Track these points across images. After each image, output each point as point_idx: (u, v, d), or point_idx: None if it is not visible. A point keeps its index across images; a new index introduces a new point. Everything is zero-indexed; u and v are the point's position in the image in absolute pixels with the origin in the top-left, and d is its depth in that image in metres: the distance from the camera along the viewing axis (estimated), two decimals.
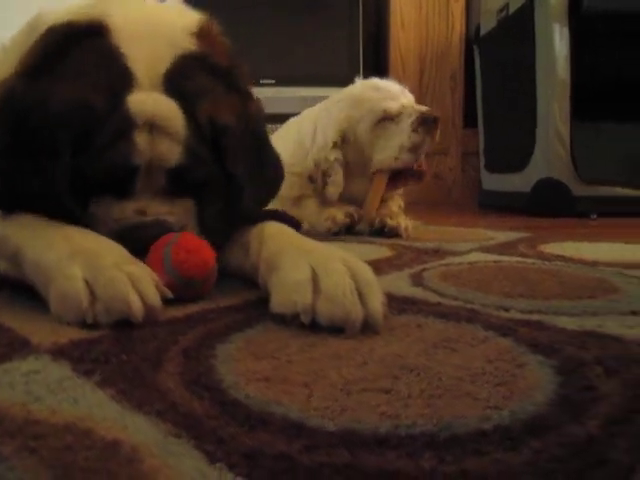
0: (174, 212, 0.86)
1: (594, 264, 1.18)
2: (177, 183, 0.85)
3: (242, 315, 0.73)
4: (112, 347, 0.61)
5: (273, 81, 3.27)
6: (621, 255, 1.32)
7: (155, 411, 0.45)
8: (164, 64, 0.84)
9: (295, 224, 0.97)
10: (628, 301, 0.85)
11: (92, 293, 0.67)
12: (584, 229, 2.09)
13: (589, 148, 2.61)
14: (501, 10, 3.03)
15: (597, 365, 0.56)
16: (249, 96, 0.96)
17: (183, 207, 0.87)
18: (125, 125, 0.80)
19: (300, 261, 0.72)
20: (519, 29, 2.80)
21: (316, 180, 1.81)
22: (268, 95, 3.17)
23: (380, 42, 3.74)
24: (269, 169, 1.01)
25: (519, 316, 0.76)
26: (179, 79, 0.84)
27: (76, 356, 0.58)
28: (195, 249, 0.78)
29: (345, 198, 1.81)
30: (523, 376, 0.54)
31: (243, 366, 0.56)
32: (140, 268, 0.72)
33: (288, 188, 1.81)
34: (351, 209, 1.75)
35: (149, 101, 0.82)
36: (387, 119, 1.75)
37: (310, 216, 1.77)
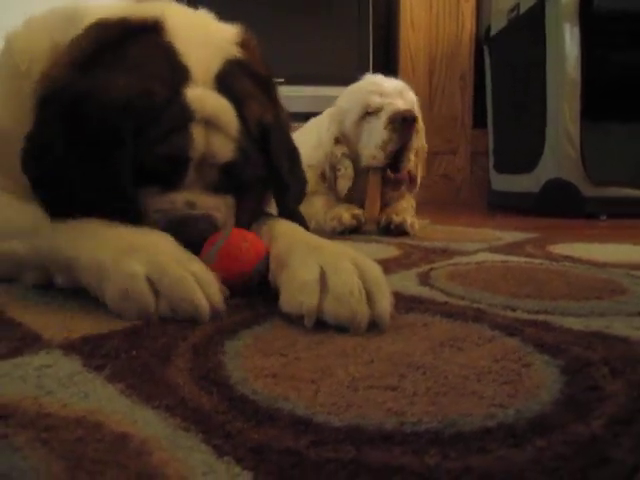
0: (219, 208, 0.87)
1: (602, 265, 1.18)
2: (227, 179, 0.87)
3: (250, 312, 0.74)
4: (122, 343, 0.61)
5: (282, 80, 3.27)
6: (629, 256, 1.32)
7: (164, 405, 0.46)
8: (215, 66, 0.87)
9: (303, 222, 0.98)
10: (635, 302, 0.85)
11: (155, 291, 0.69)
12: (593, 230, 2.08)
13: (599, 149, 2.60)
14: (512, 10, 3.02)
15: (603, 365, 0.56)
16: (281, 103, 1.01)
17: (226, 204, 0.89)
18: (184, 118, 0.81)
19: (309, 259, 0.73)
20: (530, 29, 2.80)
21: (326, 176, 1.82)
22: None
23: (390, 42, 3.74)
24: (301, 170, 1.07)
25: (526, 316, 0.76)
26: (229, 81, 0.87)
27: (87, 351, 0.59)
28: (235, 256, 0.79)
29: (349, 197, 1.82)
30: (529, 375, 0.54)
31: (251, 362, 0.56)
32: (202, 267, 0.73)
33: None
34: (358, 211, 1.75)
35: (206, 97, 0.84)
36: (371, 114, 1.74)
37: (317, 214, 1.78)
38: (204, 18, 0.98)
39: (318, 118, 2.10)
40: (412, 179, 1.84)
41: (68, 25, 0.89)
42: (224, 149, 0.85)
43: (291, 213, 0.98)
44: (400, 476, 0.36)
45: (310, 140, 1.92)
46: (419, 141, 1.82)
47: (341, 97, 1.89)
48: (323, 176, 1.84)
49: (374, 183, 1.77)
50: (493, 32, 3.29)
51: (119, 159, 0.78)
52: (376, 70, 3.35)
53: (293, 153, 1.05)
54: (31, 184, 0.81)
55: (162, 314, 0.69)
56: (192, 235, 0.81)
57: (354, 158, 1.80)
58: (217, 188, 0.87)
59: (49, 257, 0.78)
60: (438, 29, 3.60)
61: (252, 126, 0.88)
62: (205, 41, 0.88)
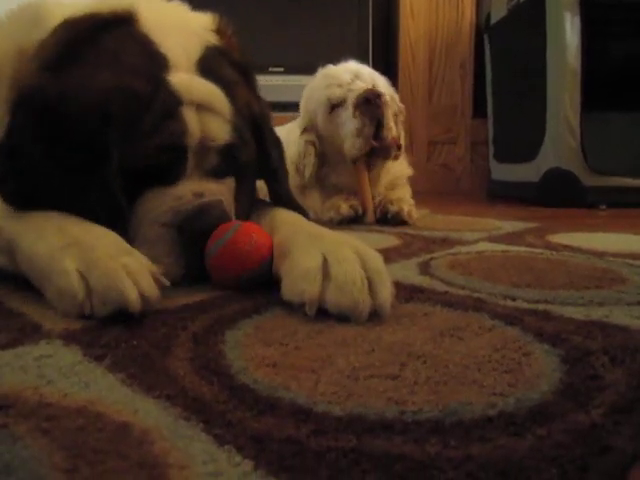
0: (223, 193, 0.85)
1: (602, 255, 1.18)
2: (226, 162, 0.85)
3: (251, 302, 0.74)
4: (122, 333, 0.61)
5: (282, 69, 3.26)
6: (629, 246, 1.31)
7: (165, 395, 0.46)
8: (195, 53, 0.84)
9: (303, 212, 0.98)
10: (635, 291, 0.85)
11: (87, 286, 0.66)
12: (593, 220, 2.08)
13: (599, 138, 2.59)
14: None
15: (603, 354, 0.56)
16: (259, 93, 0.99)
17: (228, 188, 0.87)
18: (171, 104, 0.79)
19: (311, 248, 0.73)
20: (530, 18, 2.78)
21: (299, 168, 1.81)
22: (277, 83, 3.17)
23: (390, 31, 3.72)
24: (284, 159, 1.06)
25: (526, 305, 0.76)
26: (212, 67, 0.85)
27: (87, 341, 0.59)
28: (236, 257, 0.77)
29: (339, 188, 1.81)
30: (529, 364, 0.54)
31: (252, 352, 0.56)
32: (135, 258, 0.70)
33: (291, 178, 1.82)
34: (355, 201, 1.74)
35: (192, 81, 0.82)
36: (338, 106, 1.72)
37: (314, 205, 1.78)
38: (176, 7, 0.95)
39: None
40: (397, 145, 1.79)
41: (31, 27, 0.86)
42: (221, 131, 0.83)
43: (286, 200, 0.98)
44: (401, 464, 0.36)
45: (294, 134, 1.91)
46: (393, 109, 1.78)
47: (303, 98, 1.87)
48: (297, 169, 1.81)
49: (360, 173, 1.75)
50: (493, 21, 3.28)
51: (104, 168, 0.74)
52: (375, 59, 3.35)
53: (278, 142, 1.04)
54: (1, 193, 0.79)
55: (95, 307, 0.65)
56: (210, 224, 0.79)
57: (334, 152, 1.78)
58: (216, 173, 0.85)
59: None
60: (438, 17, 3.58)
61: (243, 111, 0.87)
62: (181, 29, 0.86)
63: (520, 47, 2.96)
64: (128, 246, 0.73)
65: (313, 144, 1.78)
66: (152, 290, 0.67)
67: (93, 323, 0.64)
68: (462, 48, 3.60)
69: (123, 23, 0.82)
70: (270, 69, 3.21)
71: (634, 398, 0.47)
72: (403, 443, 0.39)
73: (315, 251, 0.72)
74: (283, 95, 3.04)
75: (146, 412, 0.43)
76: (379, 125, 1.67)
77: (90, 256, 0.67)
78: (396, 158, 1.83)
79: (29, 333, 0.61)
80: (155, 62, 0.80)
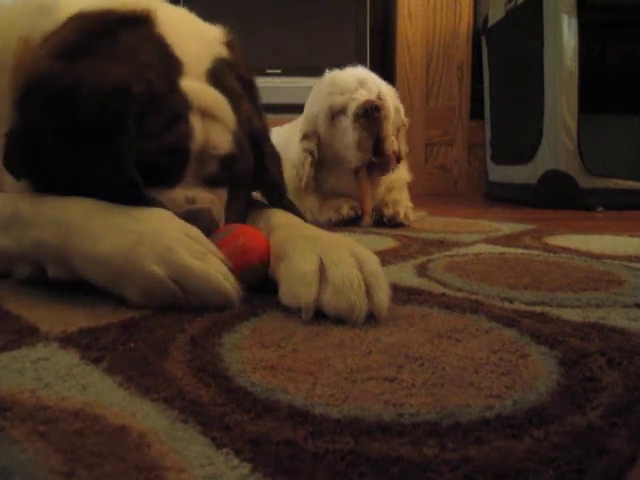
0: (215, 203, 0.85)
1: (599, 257, 1.18)
2: (224, 172, 0.85)
3: (248, 304, 0.74)
4: (120, 335, 0.61)
5: (279, 71, 3.26)
6: (626, 248, 1.32)
7: (162, 398, 0.46)
8: (206, 62, 0.85)
9: (298, 213, 0.98)
10: (632, 294, 0.85)
11: (181, 286, 0.69)
12: (590, 222, 2.08)
13: (596, 140, 2.60)
14: (509, 1, 3.01)
15: (600, 356, 0.57)
16: (261, 108, 1.00)
17: (220, 198, 0.87)
18: (182, 108, 0.79)
19: (308, 251, 0.73)
20: (527, 20, 2.79)
21: (299, 174, 1.80)
22: (274, 85, 3.17)
23: (387, 33, 3.73)
24: (282, 173, 1.06)
25: (523, 307, 0.76)
26: (220, 78, 0.86)
27: (84, 344, 0.59)
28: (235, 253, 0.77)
29: (337, 192, 1.80)
30: (526, 366, 0.54)
31: (249, 354, 0.56)
32: (217, 258, 0.72)
33: (290, 180, 1.82)
34: (356, 203, 1.74)
35: (202, 89, 0.82)
36: (340, 113, 1.70)
37: (312, 207, 1.78)
38: (189, 15, 0.97)
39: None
40: (397, 158, 1.78)
41: (39, 17, 0.86)
42: (223, 140, 0.83)
43: (284, 207, 0.99)
44: (399, 467, 0.36)
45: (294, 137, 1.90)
46: (396, 122, 1.78)
47: (308, 101, 1.86)
48: (298, 174, 1.80)
49: (362, 180, 1.74)
50: (491, 23, 3.28)
51: (122, 146, 0.74)
52: (373, 61, 3.35)
53: (277, 157, 1.05)
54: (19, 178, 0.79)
55: (192, 306, 0.70)
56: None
57: (334, 158, 1.77)
58: (212, 182, 0.85)
59: (36, 250, 0.76)
60: (435, 20, 3.58)
61: (245, 124, 0.88)
62: (194, 37, 0.87)
63: (517, 49, 2.97)
64: (190, 228, 0.74)
65: (311, 153, 1.77)
66: (237, 284, 0.72)
67: (90, 325, 0.64)
68: (459, 50, 3.61)
69: (140, 22, 0.82)
70: (268, 71, 3.21)
71: (631, 400, 0.47)
72: (400, 445, 0.39)
73: (311, 254, 0.72)
74: (281, 97, 3.05)
75: (143, 415, 0.43)
76: (378, 138, 1.64)
77: (174, 261, 0.69)
78: (392, 169, 1.82)
79: (26, 336, 0.61)
80: (170, 64, 0.81)
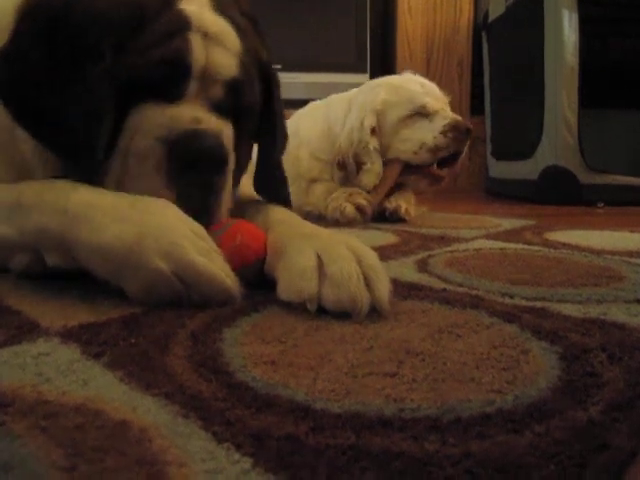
0: (225, 131, 0.82)
1: (600, 252, 1.18)
2: (230, 99, 0.82)
3: (248, 300, 0.73)
4: (121, 330, 0.61)
5: (280, 66, 3.26)
6: (627, 244, 1.32)
7: (163, 393, 0.46)
8: None
9: (287, 191, 0.97)
10: (633, 289, 0.85)
11: (183, 282, 0.68)
12: (590, 217, 2.08)
13: (597, 136, 2.60)
14: None
15: (601, 352, 0.57)
16: (267, 45, 0.96)
17: (229, 129, 0.83)
18: (178, 25, 0.77)
19: (306, 247, 0.73)
20: (528, 15, 2.78)
21: (347, 167, 1.77)
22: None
23: (387, 28, 3.72)
24: (285, 125, 1.02)
25: (524, 303, 0.76)
26: (224, 8, 0.83)
27: (85, 339, 0.59)
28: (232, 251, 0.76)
29: (360, 186, 1.79)
30: (527, 362, 0.54)
31: (250, 349, 0.56)
32: (220, 255, 0.72)
33: (307, 169, 1.82)
34: (362, 200, 1.70)
35: (204, 12, 0.80)
36: (421, 114, 1.74)
37: (317, 202, 1.78)
38: None
39: (322, 104, 2.02)
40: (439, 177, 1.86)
41: None
42: (228, 63, 0.80)
43: (276, 164, 0.96)
44: (400, 462, 0.36)
45: (314, 128, 1.89)
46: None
47: (377, 87, 1.81)
48: (340, 165, 1.79)
49: (391, 173, 1.76)
50: (491, 18, 3.28)
51: (95, 74, 0.72)
52: (373, 57, 3.35)
53: (282, 105, 1.00)
54: None
55: (194, 302, 0.69)
56: (204, 151, 0.77)
57: (382, 150, 1.77)
58: (219, 109, 0.81)
59: (37, 237, 0.74)
60: (435, 15, 3.58)
61: (252, 56, 0.84)
62: None
63: (518, 44, 2.96)
64: (193, 223, 0.73)
65: (379, 151, 1.76)
66: (237, 282, 0.71)
67: (91, 320, 0.64)
68: (460, 45, 3.61)
69: None
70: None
71: (632, 395, 0.47)
72: (402, 440, 0.39)
73: (309, 251, 0.72)
74: (282, 92, 3.05)
75: (145, 410, 0.43)
76: (453, 157, 1.75)
77: (179, 257, 0.68)
78: (429, 186, 1.89)
79: (27, 331, 0.61)
80: None
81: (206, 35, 0.79)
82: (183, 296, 0.69)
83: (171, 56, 0.76)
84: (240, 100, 0.83)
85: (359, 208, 1.68)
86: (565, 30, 2.52)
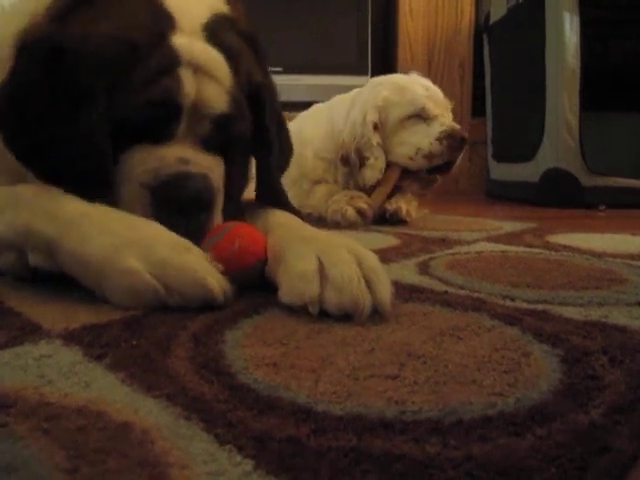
0: (213, 169, 0.82)
1: (601, 255, 1.18)
2: (219, 134, 0.82)
3: (249, 302, 0.74)
4: (122, 332, 0.61)
5: (281, 69, 3.26)
6: (628, 246, 1.32)
7: (165, 395, 0.46)
8: (202, 17, 0.82)
9: (296, 213, 0.97)
10: (634, 292, 0.85)
11: (162, 282, 0.68)
12: (592, 220, 2.08)
13: (598, 138, 2.60)
14: None
15: (602, 355, 0.57)
16: (267, 65, 0.97)
17: (218, 165, 0.84)
18: (169, 61, 0.77)
19: (306, 251, 0.73)
20: (529, 17, 2.78)
21: (350, 161, 1.76)
22: (276, 83, 3.17)
23: (389, 31, 3.72)
24: (288, 138, 1.03)
25: (525, 306, 0.76)
26: (218, 34, 0.83)
27: (87, 341, 0.59)
28: (224, 260, 0.75)
29: (361, 188, 1.79)
30: (528, 364, 0.54)
31: (252, 351, 0.56)
32: (199, 254, 0.72)
33: (311, 169, 1.82)
34: (363, 203, 1.70)
35: (194, 44, 0.80)
36: (420, 117, 1.73)
37: (318, 205, 1.78)
38: None
39: (325, 106, 2.02)
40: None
41: None
42: (218, 98, 0.80)
43: (273, 182, 0.96)
44: (401, 464, 0.37)
45: (318, 128, 1.89)
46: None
47: (380, 85, 1.82)
48: (343, 161, 1.78)
49: (390, 177, 1.76)
50: (492, 20, 3.28)
51: (91, 117, 0.73)
52: (375, 59, 3.35)
53: (281, 119, 1.01)
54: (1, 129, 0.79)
55: (174, 304, 0.68)
56: (188, 196, 0.77)
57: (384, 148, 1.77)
58: (208, 145, 0.82)
59: (25, 237, 0.74)
60: (437, 17, 3.58)
61: (243, 82, 0.84)
62: None
63: (519, 47, 2.96)
64: (183, 240, 0.73)
65: (382, 146, 1.75)
66: (226, 284, 0.71)
67: (93, 322, 0.64)
68: (461, 47, 3.61)
69: None
70: (269, 68, 3.21)
71: (633, 398, 0.47)
72: (403, 443, 0.39)
73: (310, 254, 0.72)
74: (282, 95, 3.05)
75: (147, 411, 0.43)
76: (446, 165, 1.75)
77: (153, 257, 0.68)
78: (422, 190, 1.88)
79: (29, 333, 0.61)
80: (159, 20, 0.79)
81: (197, 69, 0.79)
82: (163, 297, 0.68)
83: (161, 97, 0.77)
84: (229, 133, 0.84)
85: (360, 211, 1.68)
86: (566, 32, 2.52)
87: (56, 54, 0.74)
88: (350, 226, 1.65)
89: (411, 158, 1.73)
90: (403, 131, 1.74)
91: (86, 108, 0.74)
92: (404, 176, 1.79)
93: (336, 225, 1.66)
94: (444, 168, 1.76)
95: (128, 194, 0.78)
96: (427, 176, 1.78)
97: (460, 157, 1.76)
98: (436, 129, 1.71)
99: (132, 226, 0.73)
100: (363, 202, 1.70)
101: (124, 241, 0.70)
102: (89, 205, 0.75)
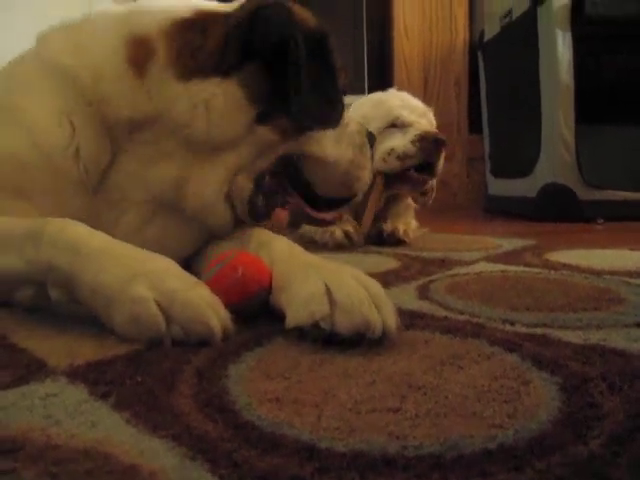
0: None
1: (599, 273, 1.19)
2: None
3: (252, 332, 0.74)
4: (126, 368, 0.62)
5: None
6: (626, 263, 1.33)
7: (170, 435, 0.47)
8: None
9: None
10: (633, 312, 0.86)
11: (167, 315, 0.69)
12: (590, 234, 2.09)
13: (594, 152, 2.61)
14: (505, 16, 3.04)
15: (601, 381, 0.57)
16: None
17: None
18: None
19: (312, 275, 0.74)
20: (523, 34, 2.82)
21: None
22: None
23: (384, 49, 3.76)
24: (332, 86, 1.08)
25: (524, 330, 0.77)
26: None
27: (92, 378, 0.59)
28: (224, 288, 0.76)
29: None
30: (527, 393, 0.55)
31: (255, 386, 0.57)
32: (208, 291, 0.73)
33: None
34: (349, 227, 1.73)
35: None
36: (397, 126, 1.78)
37: (311, 228, 1.79)
38: None
39: None
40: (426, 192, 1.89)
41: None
42: None
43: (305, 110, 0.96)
44: None
45: None
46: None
47: (361, 104, 1.90)
48: None
49: (376, 187, 1.76)
50: (487, 38, 3.32)
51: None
52: (371, 78, 3.38)
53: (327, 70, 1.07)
54: None
55: (174, 337, 0.69)
56: None
57: None
58: None
59: (47, 272, 0.76)
60: (432, 35, 3.62)
61: None
62: None
63: (513, 63, 3.00)
64: (193, 277, 0.75)
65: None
66: (229, 322, 0.72)
67: (97, 358, 0.65)
68: (456, 65, 3.64)
69: None
70: None
71: (632, 427, 0.47)
72: None
73: (316, 278, 0.73)
74: None
75: (153, 453, 0.44)
76: (429, 166, 1.77)
77: (163, 287, 0.70)
78: (420, 204, 1.94)
79: (34, 370, 0.62)
80: None
81: None
82: (163, 331, 0.69)
83: None
84: None
85: (347, 234, 1.71)
86: (559, 49, 2.55)
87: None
88: (338, 248, 1.67)
89: (384, 160, 1.75)
90: (381, 140, 1.77)
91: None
92: (391, 180, 1.79)
93: (324, 246, 1.68)
94: (427, 169, 1.78)
95: None
96: (415, 175, 1.78)
97: (442, 158, 1.78)
98: (412, 134, 1.75)
99: (146, 259, 0.76)
100: (350, 226, 1.74)
101: (137, 272, 0.72)
102: (111, 241, 0.78)
